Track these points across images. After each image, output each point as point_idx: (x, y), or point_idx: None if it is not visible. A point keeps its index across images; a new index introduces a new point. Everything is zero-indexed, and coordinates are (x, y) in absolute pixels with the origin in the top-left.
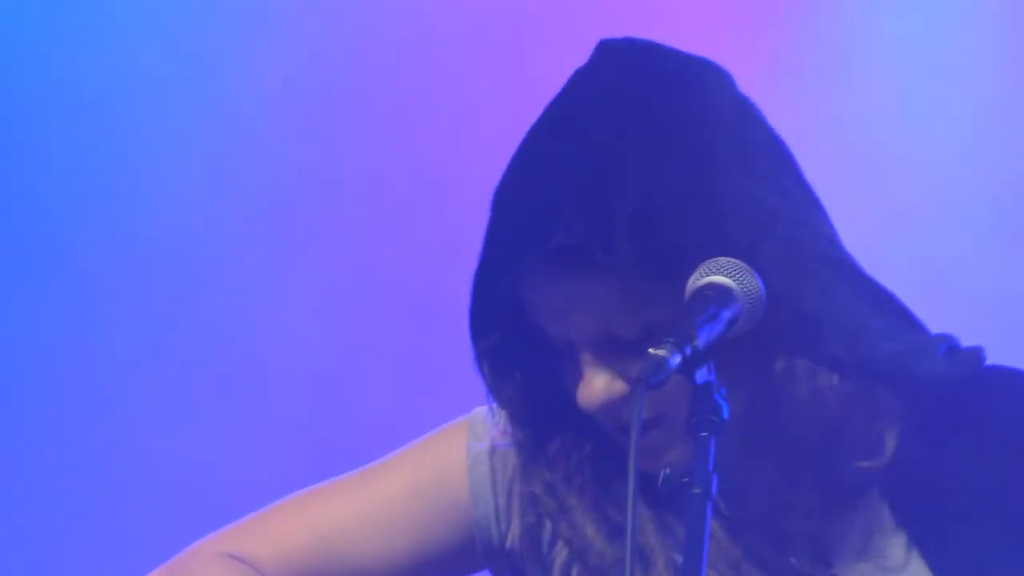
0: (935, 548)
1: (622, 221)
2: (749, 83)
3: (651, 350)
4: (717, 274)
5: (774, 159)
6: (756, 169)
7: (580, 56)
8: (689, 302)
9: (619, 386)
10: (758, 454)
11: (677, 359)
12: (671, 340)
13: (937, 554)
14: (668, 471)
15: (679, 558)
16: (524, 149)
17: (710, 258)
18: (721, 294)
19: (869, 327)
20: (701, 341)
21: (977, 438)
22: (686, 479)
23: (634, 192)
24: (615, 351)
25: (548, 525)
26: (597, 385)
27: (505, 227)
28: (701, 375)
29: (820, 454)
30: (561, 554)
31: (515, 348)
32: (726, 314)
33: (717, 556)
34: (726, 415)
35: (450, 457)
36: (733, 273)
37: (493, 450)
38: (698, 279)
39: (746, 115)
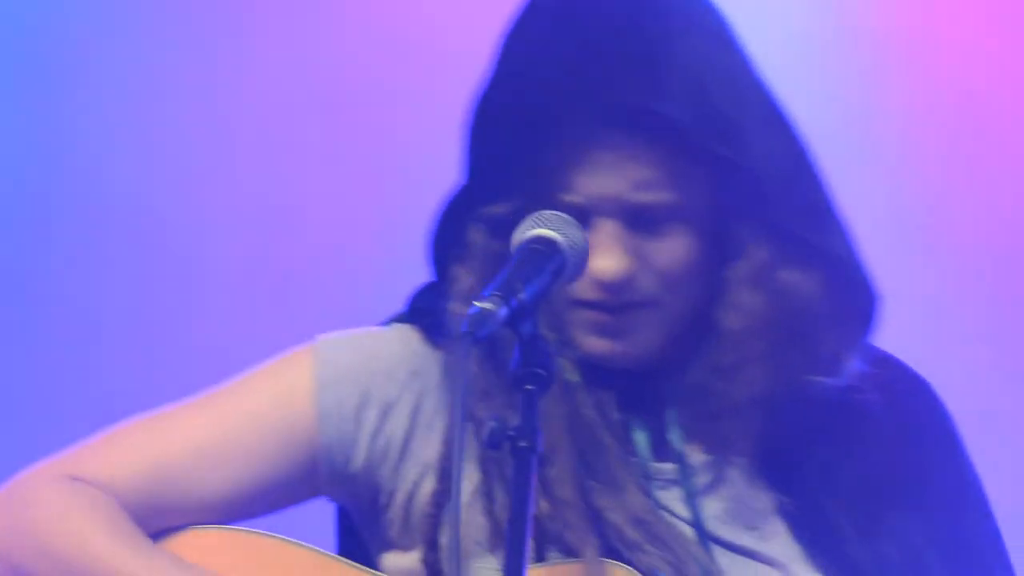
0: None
1: (674, 78)
2: None
3: (476, 303)
4: (542, 227)
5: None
6: (753, 60)
7: None
8: (515, 255)
9: (635, 266)
10: (736, 350)
11: (504, 312)
12: (497, 293)
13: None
14: (495, 424)
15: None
16: (541, 21)
17: (740, 129)
18: (547, 247)
19: (855, 239)
20: (527, 294)
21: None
22: (512, 432)
23: (680, 56)
24: (637, 231)
25: (401, 447)
26: (621, 258)
27: (546, 92)
28: (527, 328)
29: (793, 357)
30: (412, 472)
31: (514, 216)
32: (551, 266)
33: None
34: (553, 368)
35: (295, 384)
36: (558, 226)
37: (341, 377)
38: (523, 232)
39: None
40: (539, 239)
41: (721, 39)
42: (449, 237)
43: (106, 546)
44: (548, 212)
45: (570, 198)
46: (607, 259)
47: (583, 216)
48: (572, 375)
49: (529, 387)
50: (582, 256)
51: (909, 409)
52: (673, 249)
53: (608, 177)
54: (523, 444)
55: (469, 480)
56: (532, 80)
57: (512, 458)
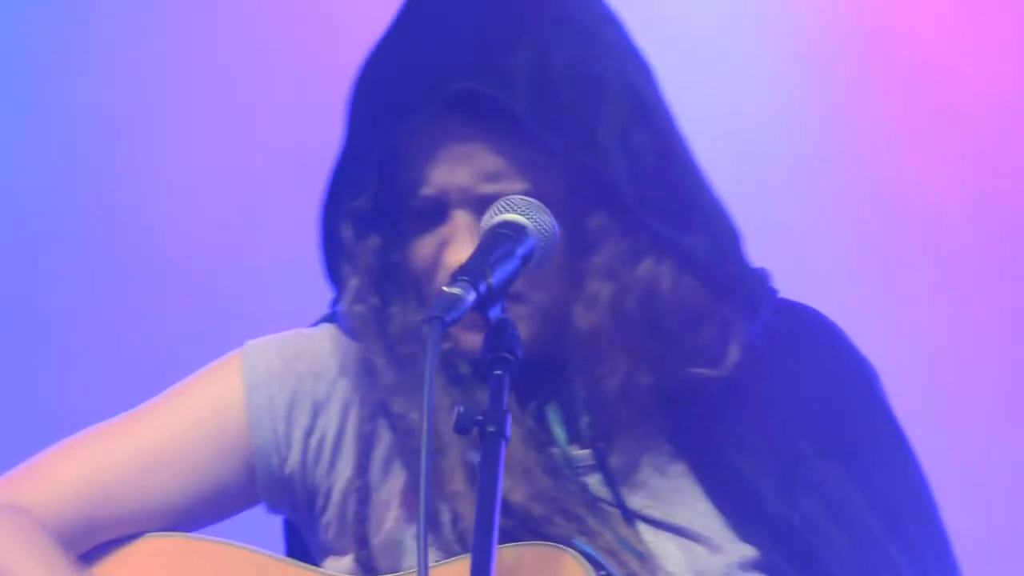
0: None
1: (520, 70)
2: None
3: (445, 288)
4: (511, 212)
5: (642, 60)
6: (632, 59)
7: None
8: (483, 240)
9: None
10: (606, 347)
11: (472, 296)
12: (465, 278)
13: (713, 476)
14: (462, 409)
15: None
16: (409, 13)
17: (592, 125)
18: (515, 231)
19: (730, 234)
20: (495, 279)
21: (783, 371)
22: (480, 417)
23: (530, 48)
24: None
25: (334, 445)
26: (470, 248)
27: (398, 80)
28: (495, 313)
29: (664, 351)
30: (346, 469)
31: (380, 210)
32: (520, 251)
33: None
34: (520, 353)
35: (226, 390)
36: (527, 211)
37: (270, 378)
38: (492, 217)
39: (615, 19)
40: (507, 224)
41: (590, 36)
42: (330, 237)
43: (28, 567)
44: (517, 197)
45: (423, 191)
46: (456, 251)
47: (440, 208)
48: (464, 368)
49: (498, 372)
50: (552, 241)
51: (819, 358)
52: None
53: (458, 168)
54: (491, 429)
55: (399, 476)
56: (389, 64)
57: (481, 443)
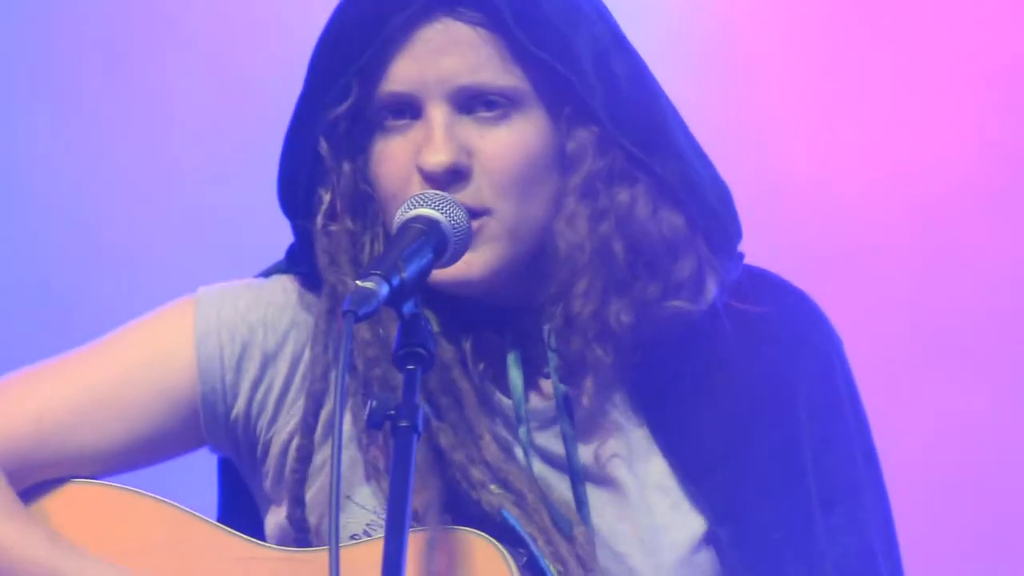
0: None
1: None
2: None
3: (358, 282)
4: (424, 206)
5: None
6: (604, 6)
7: None
8: (397, 234)
9: (465, 159)
10: (585, 271)
11: (385, 290)
12: (378, 272)
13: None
14: (375, 403)
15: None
16: None
17: (571, 42)
18: (429, 226)
19: (707, 170)
20: (409, 273)
21: (750, 334)
22: (392, 411)
23: None
24: (472, 116)
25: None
26: (448, 145)
27: None
28: (408, 307)
29: (643, 282)
30: (288, 424)
31: (353, 134)
32: (433, 246)
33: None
34: (433, 347)
35: (175, 337)
36: (440, 206)
37: (221, 327)
38: (406, 211)
39: None
40: (420, 218)
41: None
42: (294, 164)
43: None
44: (431, 192)
45: (400, 86)
46: (432, 151)
47: (415, 109)
48: (434, 325)
49: (411, 367)
50: (464, 236)
51: (787, 324)
52: (509, 142)
53: (441, 57)
54: (404, 423)
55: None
56: None
57: (392, 437)
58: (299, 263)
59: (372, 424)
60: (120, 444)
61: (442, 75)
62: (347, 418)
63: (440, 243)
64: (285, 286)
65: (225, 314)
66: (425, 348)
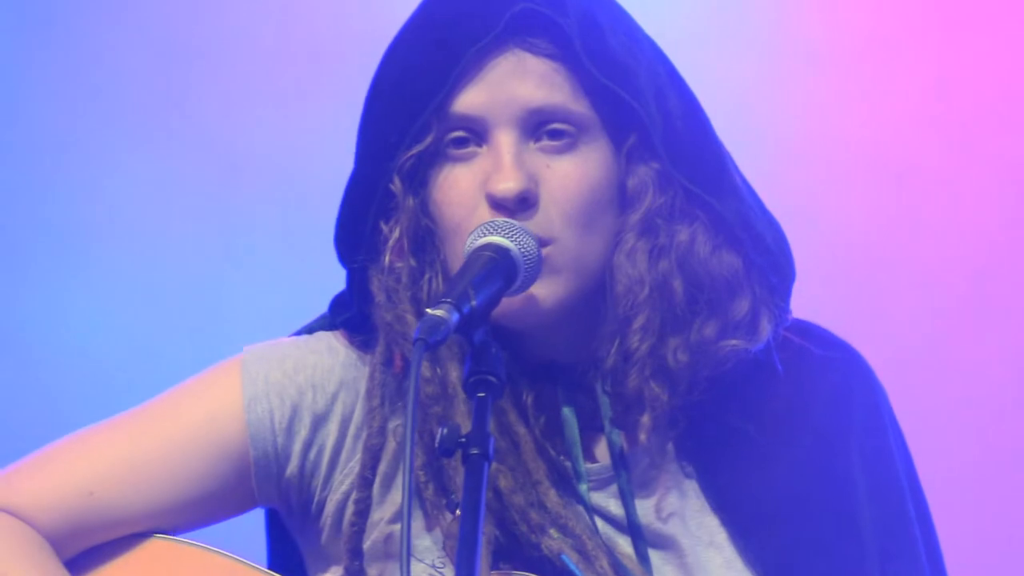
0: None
1: (572, 9)
2: None
3: (429, 310)
4: (495, 234)
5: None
6: (665, 58)
7: None
8: (467, 262)
9: (534, 187)
10: (643, 307)
11: (455, 318)
12: (449, 300)
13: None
14: (445, 431)
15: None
16: None
17: (634, 74)
18: (499, 254)
19: (759, 207)
20: (479, 301)
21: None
22: (463, 439)
23: (576, 2)
24: (539, 142)
25: (331, 458)
26: (518, 172)
27: (459, 12)
28: (479, 335)
29: (701, 320)
30: (344, 482)
31: (419, 168)
32: (504, 273)
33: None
34: (503, 375)
35: (224, 401)
36: (511, 234)
37: (269, 390)
38: (476, 239)
39: None
40: (491, 246)
41: (624, 12)
42: (367, 201)
43: None
44: (500, 220)
45: (464, 111)
46: (501, 179)
47: (480, 134)
48: None
49: (481, 394)
50: (535, 264)
51: (833, 379)
52: (575, 172)
53: (509, 82)
54: (475, 451)
55: (398, 491)
56: (442, 4)
57: (464, 465)
58: (346, 308)
59: (443, 452)
60: (170, 509)
61: (512, 98)
62: (405, 450)
63: (510, 271)
64: (330, 344)
65: (273, 377)
66: (495, 375)
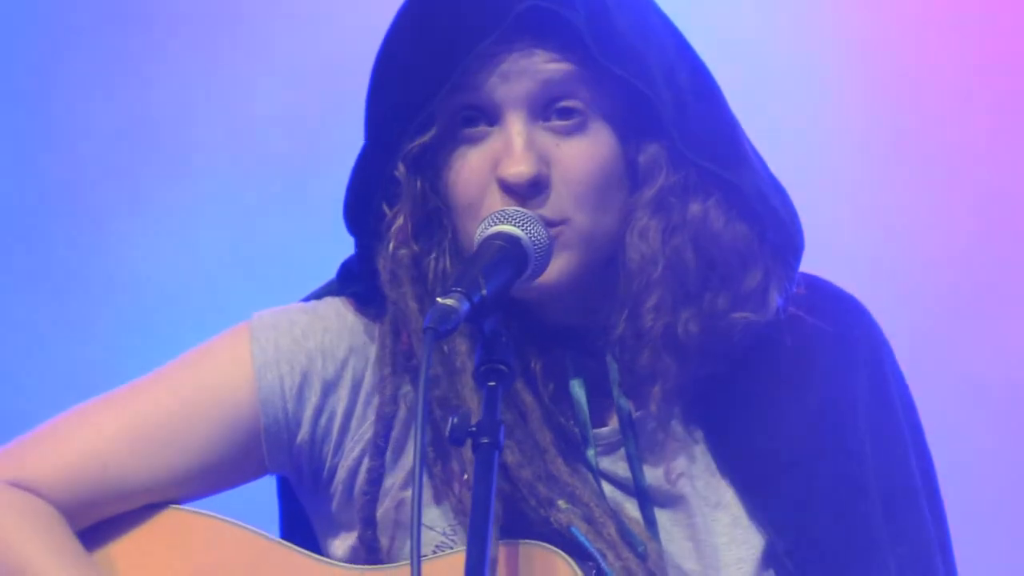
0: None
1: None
2: None
3: (439, 299)
4: (506, 223)
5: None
6: (673, 26)
7: None
8: (477, 251)
9: (545, 171)
10: (657, 285)
11: (466, 307)
12: (459, 289)
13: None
14: (455, 419)
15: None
16: None
17: (643, 56)
18: (510, 243)
19: (770, 178)
20: (489, 290)
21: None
22: (473, 428)
23: None
24: (548, 124)
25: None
26: (529, 156)
27: (464, 8)
28: (489, 324)
29: (713, 294)
30: (355, 448)
31: (429, 152)
32: (514, 262)
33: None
34: (513, 364)
35: (234, 370)
36: (522, 223)
37: (280, 357)
38: (487, 228)
39: None
40: (501, 235)
41: None
42: (373, 184)
43: (34, 555)
44: (511, 209)
45: (474, 94)
46: (512, 163)
47: (490, 115)
48: None
49: (492, 383)
50: (545, 253)
51: (840, 337)
52: (585, 152)
53: (520, 77)
54: (485, 440)
55: (410, 458)
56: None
57: (474, 454)
58: (355, 282)
59: (454, 441)
60: (181, 478)
61: (521, 78)
62: (414, 440)
63: (520, 260)
64: (339, 310)
65: (283, 343)
66: (506, 364)
